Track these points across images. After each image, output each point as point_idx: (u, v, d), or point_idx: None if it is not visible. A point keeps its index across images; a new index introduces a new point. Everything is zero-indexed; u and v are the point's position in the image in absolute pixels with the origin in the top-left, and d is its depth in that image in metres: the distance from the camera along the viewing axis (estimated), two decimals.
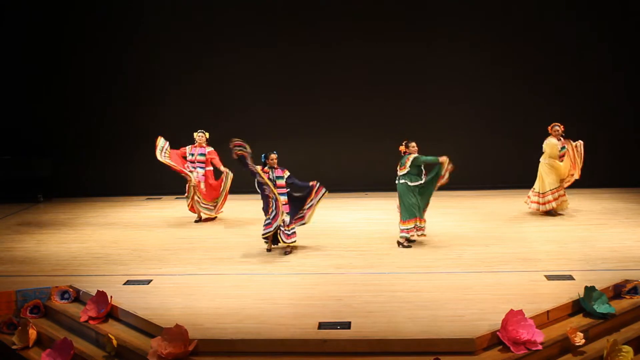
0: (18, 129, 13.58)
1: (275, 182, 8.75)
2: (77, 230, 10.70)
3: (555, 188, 10.38)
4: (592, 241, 8.97)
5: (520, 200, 11.84)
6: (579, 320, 6.52)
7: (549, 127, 10.45)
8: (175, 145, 10.99)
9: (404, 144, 8.97)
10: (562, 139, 10.41)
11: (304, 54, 13.26)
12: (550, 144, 10.40)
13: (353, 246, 9.14)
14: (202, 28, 13.34)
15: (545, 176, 10.43)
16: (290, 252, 8.87)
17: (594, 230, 9.59)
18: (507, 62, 13.00)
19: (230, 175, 10.88)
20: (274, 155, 8.86)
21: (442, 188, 12.45)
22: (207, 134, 10.87)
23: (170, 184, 13.35)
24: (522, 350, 5.92)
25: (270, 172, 8.81)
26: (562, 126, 10.40)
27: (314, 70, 13.30)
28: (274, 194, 8.57)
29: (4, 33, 13.57)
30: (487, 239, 9.31)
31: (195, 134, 10.85)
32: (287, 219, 8.80)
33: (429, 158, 8.92)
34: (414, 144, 8.94)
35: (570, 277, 7.40)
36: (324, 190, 8.98)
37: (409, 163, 8.86)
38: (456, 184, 13.01)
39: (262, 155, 8.86)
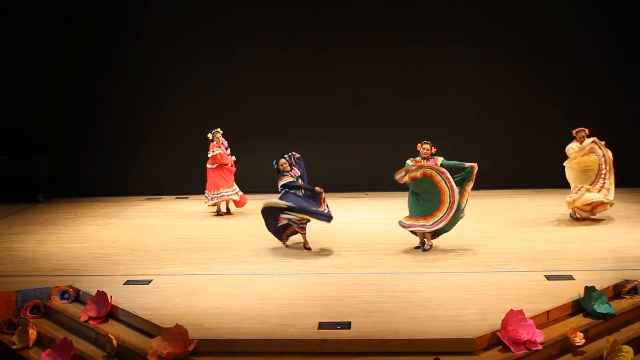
0: (18, 129, 13.58)
1: None
2: (77, 230, 10.69)
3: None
4: (592, 241, 8.97)
5: (520, 200, 11.84)
6: (579, 320, 6.52)
7: (574, 132, 10.12)
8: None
9: (423, 145, 8.68)
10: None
11: (304, 55, 13.25)
12: (572, 148, 10.07)
13: (353, 246, 9.13)
14: (203, 29, 13.33)
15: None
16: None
17: (594, 230, 9.59)
18: (508, 62, 12.99)
19: None
20: (283, 160, 8.88)
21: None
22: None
23: (170, 184, 13.37)
24: (522, 350, 5.91)
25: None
26: (586, 130, 10.05)
27: (314, 72, 13.28)
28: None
29: (4, 33, 13.57)
30: (487, 239, 9.30)
31: (220, 133, 11.07)
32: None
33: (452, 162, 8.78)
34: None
35: (570, 277, 7.39)
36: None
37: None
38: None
39: (274, 162, 8.90)
